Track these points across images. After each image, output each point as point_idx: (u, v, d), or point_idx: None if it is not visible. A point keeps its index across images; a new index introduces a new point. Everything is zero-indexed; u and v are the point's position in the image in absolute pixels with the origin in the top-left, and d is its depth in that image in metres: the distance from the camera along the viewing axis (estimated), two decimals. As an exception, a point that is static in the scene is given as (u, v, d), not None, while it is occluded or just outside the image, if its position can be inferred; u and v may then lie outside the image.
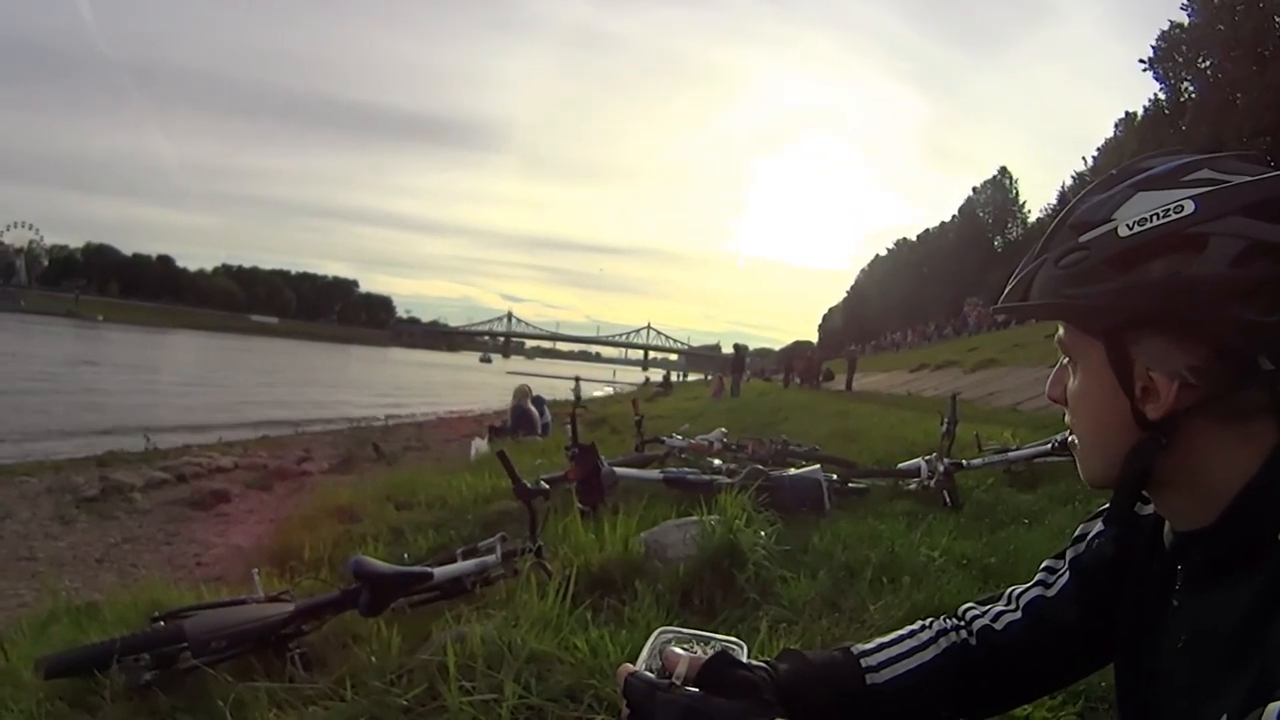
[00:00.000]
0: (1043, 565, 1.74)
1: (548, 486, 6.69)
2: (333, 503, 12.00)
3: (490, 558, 5.74)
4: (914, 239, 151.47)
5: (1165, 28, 72.49)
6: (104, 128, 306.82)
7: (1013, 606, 1.72)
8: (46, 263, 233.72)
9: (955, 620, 1.77)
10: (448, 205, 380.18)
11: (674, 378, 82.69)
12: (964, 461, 10.16)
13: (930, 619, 1.80)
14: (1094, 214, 1.37)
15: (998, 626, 1.70)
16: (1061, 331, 1.43)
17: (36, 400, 42.11)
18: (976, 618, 1.74)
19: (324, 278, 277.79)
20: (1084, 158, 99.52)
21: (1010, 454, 10.73)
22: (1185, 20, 70.95)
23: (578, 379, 35.56)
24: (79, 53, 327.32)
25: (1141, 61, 74.16)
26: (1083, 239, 1.36)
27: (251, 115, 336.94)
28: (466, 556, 5.84)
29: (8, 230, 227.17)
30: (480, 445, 19.93)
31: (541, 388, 27.85)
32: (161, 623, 4.87)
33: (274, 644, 4.88)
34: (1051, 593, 1.68)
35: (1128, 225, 1.31)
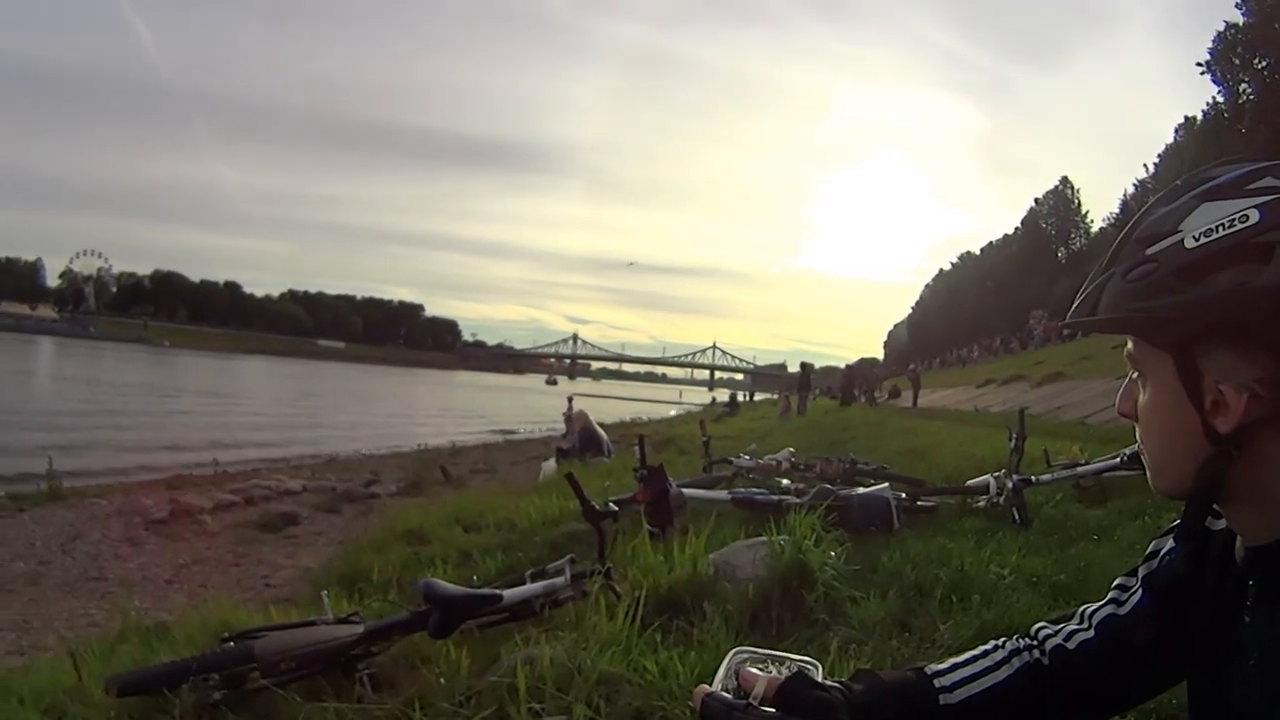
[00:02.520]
0: (1115, 583, 1.71)
1: (616, 509, 6.68)
2: (401, 525, 12.02)
3: (559, 580, 5.73)
4: (977, 252, 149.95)
5: (1220, 29, 71.63)
6: (171, 157, 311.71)
7: (1085, 625, 1.70)
8: (115, 290, 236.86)
9: (1028, 639, 1.75)
10: (513, 229, 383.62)
11: (740, 397, 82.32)
12: (1033, 478, 10.07)
13: (1003, 638, 1.78)
14: (1160, 226, 1.36)
15: (1070, 645, 1.68)
16: (1130, 345, 1.41)
17: (107, 424, 42.58)
18: (1049, 636, 1.72)
19: (390, 302, 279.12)
20: (1145, 164, 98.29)
21: (1079, 469, 10.61)
22: (1240, 20, 70.08)
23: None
24: (144, 84, 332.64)
25: (1199, 65, 73.33)
26: (1149, 252, 1.35)
27: (317, 143, 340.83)
28: (535, 579, 5.84)
29: (77, 258, 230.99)
30: (548, 467, 19.97)
31: (606, 410, 27.93)
32: (231, 643, 4.91)
33: (343, 665, 4.91)
34: (1124, 610, 1.65)
35: (1194, 237, 1.30)
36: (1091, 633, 1.67)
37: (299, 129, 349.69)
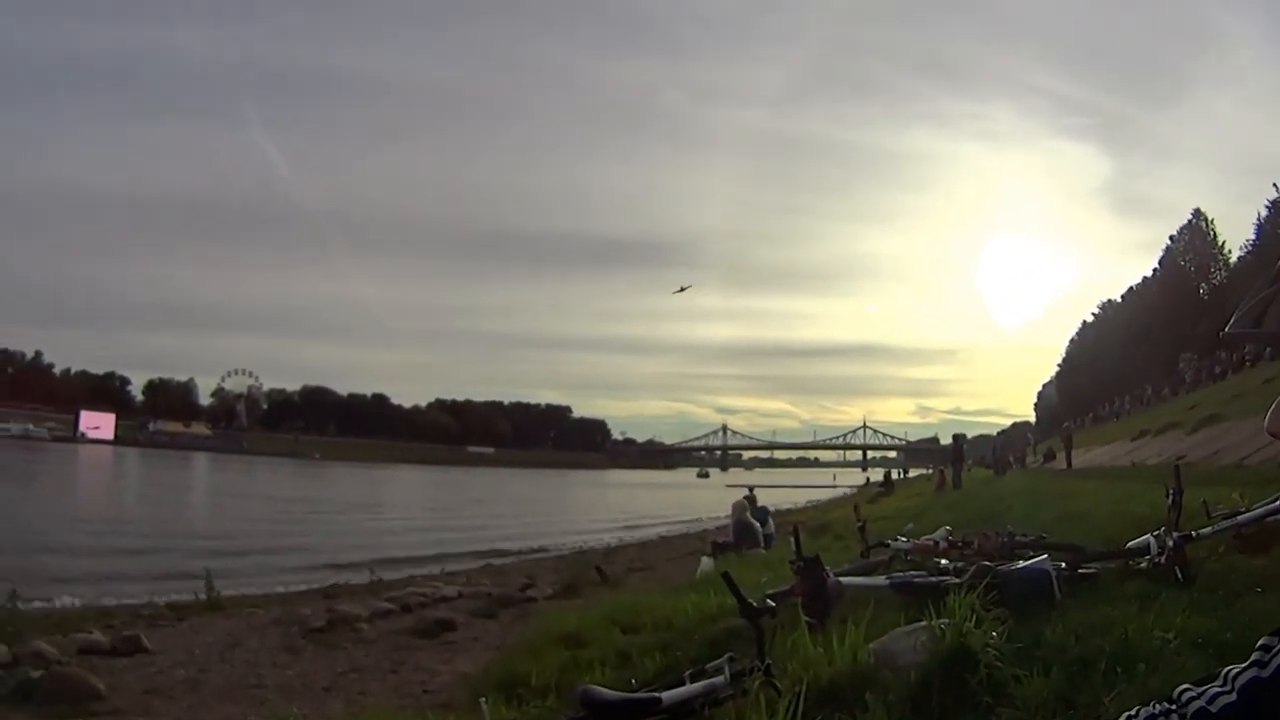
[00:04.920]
0: (1260, 643, 1.67)
1: (773, 604, 6.68)
2: (558, 628, 12.04)
3: (718, 679, 5.74)
4: (1118, 299, 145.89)
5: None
6: (312, 277, 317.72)
7: (1228, 688, 1.65)
8: (266, 406, 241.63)
9: (1166, 704, 1.73)
10: (654, 324, 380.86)
11: (894, 475, 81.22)
12: (1193, 532, 9.80)
13: (1138, 706, 1.76)
14: None
15: (1213, 709, 1.63)
16: None
17: (262, 536, 43.49)
18: (1192, 700, 1.68)
19: (538, 405, 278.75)
20: (1275, 184, 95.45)
21: (1240, 517, 10.29)
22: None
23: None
24: (281, 210, 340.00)
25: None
26: None
27: (450, 253, 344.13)
28: (695, 679, 5.86)
29: (228, 377, 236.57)
30: (705, 563, 19.86)
31: (761, 499, 27.75)
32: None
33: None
34: (1267, 673, 1.59)
35: None
36: (1234, 696, 1.63)
37: (432, 241, 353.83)
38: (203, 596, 22.60)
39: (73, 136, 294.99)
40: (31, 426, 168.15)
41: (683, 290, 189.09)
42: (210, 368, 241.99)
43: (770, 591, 7.83)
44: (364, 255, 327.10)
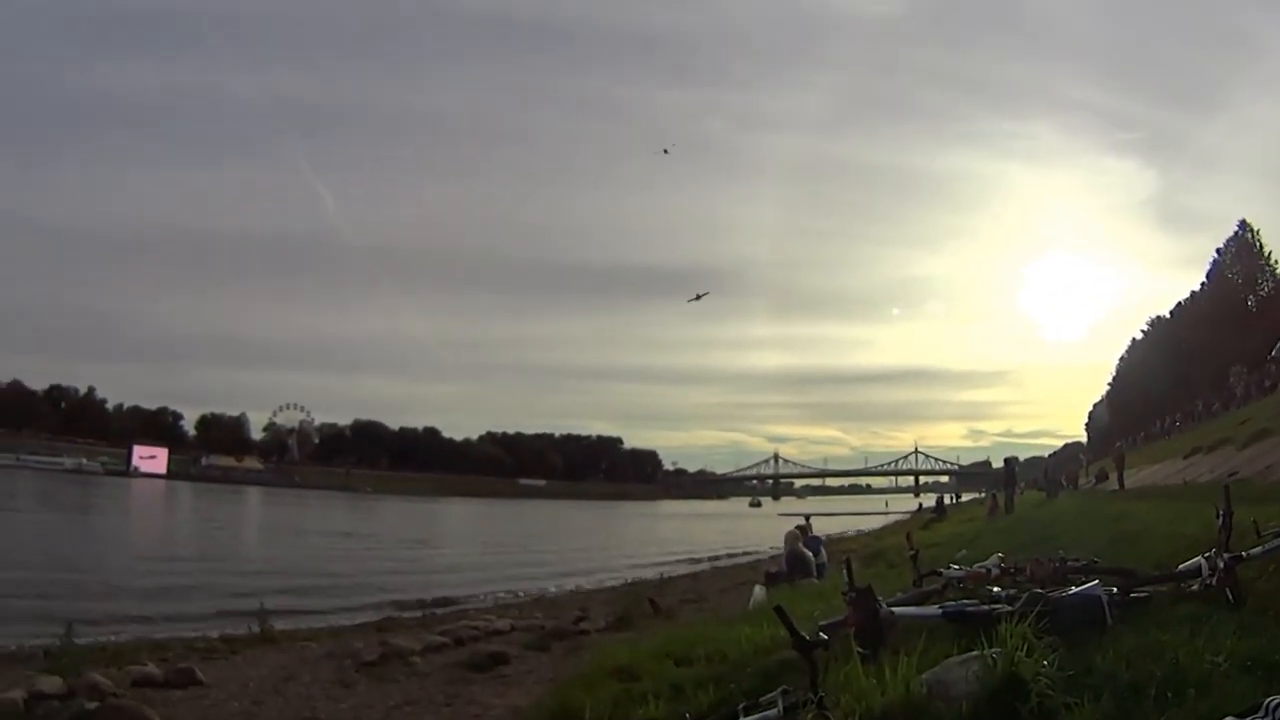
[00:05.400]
0: None
1: (826, 637, 6.72)
2: (611, 661, 12.05)
3: (771, 712, 5.78)
4: (1167, 314, 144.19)
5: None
6: (361, 312, 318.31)
7: (1268, 718, 1.66)
8: (317, 440, 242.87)
9: None
10: (704, 354, 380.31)
11: (947, 500, 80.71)
12: (1244, 553, 9.75)
13: None
14: None
15: None
16: None
17: (315, 570, 43.72)
18: None
19: (589, 437, 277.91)
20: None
21: (1289, 535, 10.23)
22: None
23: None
24: (330, 246, 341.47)
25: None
26: None
27: (498, 287, 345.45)
28: (748, 712, 5.90)
29: (280, 412, 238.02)
30: (758, 593, 19.87)
31: (814, 527, 27.76)
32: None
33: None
34: None
35: None
36: None
37: (479, 274, 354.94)
38: (256, 629, 22.83)
39: (125, 176, 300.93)
40: (85, 460, 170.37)
41: (698, 298, 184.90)
42: (262, 403, 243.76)
43: (823, 622, 7.88)
44: (413, 290, 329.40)
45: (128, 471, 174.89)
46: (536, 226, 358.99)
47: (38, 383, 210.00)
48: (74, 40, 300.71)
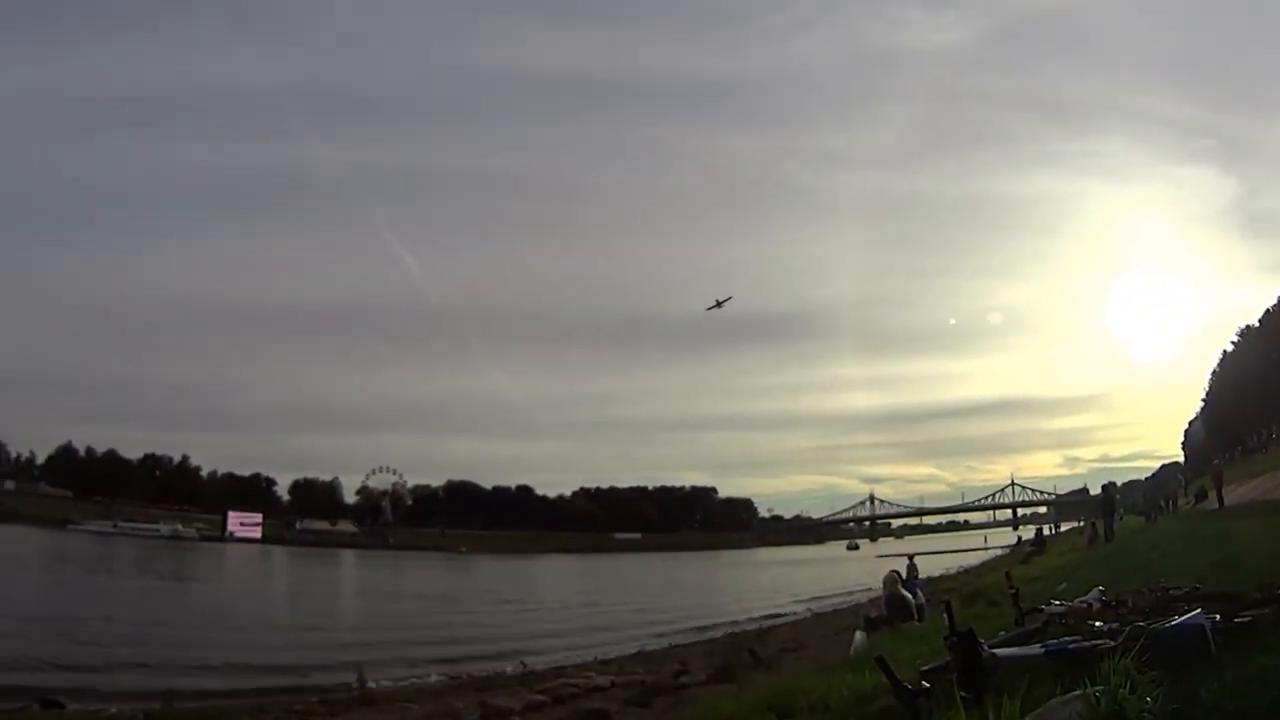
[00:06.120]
0: None
1: (927, 685, 6.79)
2: (713, 715, 12.12)
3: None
4: (1256, 323, 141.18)
5: None
6: (451, 374, 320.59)
7: None
8: (411, 502, 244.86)
9: None
10: (793, 398, 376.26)
11: (1046, 531, 79.81)
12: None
13: None
14: None
15: None
16: None
17: (412, 630, 44.08)
18: None
19: (682, 488, 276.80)
20: None
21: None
22: None
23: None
24: (418, 310, 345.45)
25: None
26: None
27: (584, 343, 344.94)
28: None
29: (372, 475, 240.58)
30: (859, 639, 19.83)
31: (904, 564, 27.67)
32: None
33: None
34: None
35: None
36: None
37: (565, 331, 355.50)
38: (355, 692, 23.08)
39: (212, 250, 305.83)
40: (180, 527, 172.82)
41: (719, 305, 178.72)
42: (355, 466, 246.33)
43: (924, 667, 7.93)
44: (500, 349, 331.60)
45: (223, 537, 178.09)
46: (619, 280, 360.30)
47: (133, 452, 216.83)
48: (158, 120, 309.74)
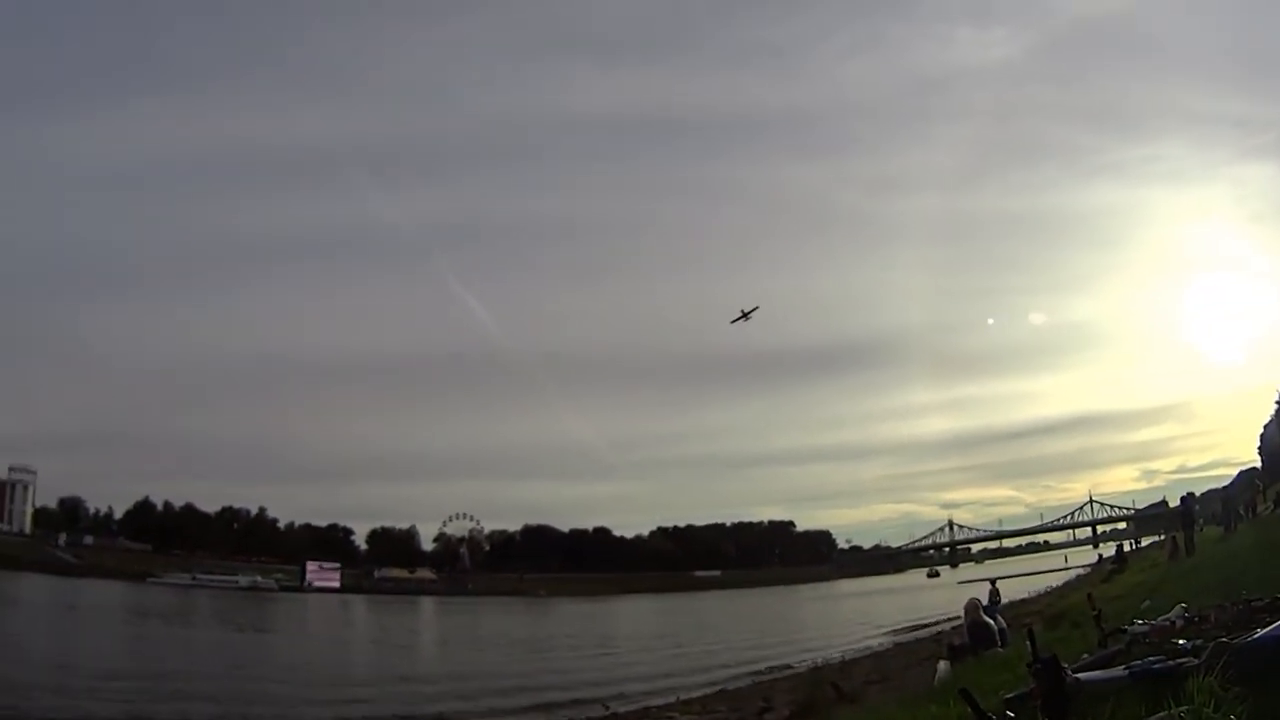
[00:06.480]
0: None
1: (1011, 714, 6.80)
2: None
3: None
4: None
5: None
6: (524, 419, 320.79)
7: None
8: (488, 547, 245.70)
9: None
10: (866, 427, 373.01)
11: (1126, 546, 78.80)
12: None
13: None
14: None
15: None
16: None
17: (493, 675, 44.24)
18: None
19: (760, 524, 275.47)
20: None
21: None
22: None
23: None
24: (488, 357, 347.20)
25: None
26: None
27: (655, 383, 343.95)
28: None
29: (449, 522, 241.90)
30: (942, 668, 19.78)
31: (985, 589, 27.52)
32: None
33: None
34: None
35: None
36: None
37: (634, 371, 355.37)
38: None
39: (283, 306, 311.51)
40: (260, 578, 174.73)
41: (746, 317, 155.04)
42: (431, 513, 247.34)
43: (1008, 695, 7.93)
44: (572, 391, 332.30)
45: (302, 587, 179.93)
46: (686, 316, 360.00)
47: (210, 505, 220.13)
48: (222, 180, 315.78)
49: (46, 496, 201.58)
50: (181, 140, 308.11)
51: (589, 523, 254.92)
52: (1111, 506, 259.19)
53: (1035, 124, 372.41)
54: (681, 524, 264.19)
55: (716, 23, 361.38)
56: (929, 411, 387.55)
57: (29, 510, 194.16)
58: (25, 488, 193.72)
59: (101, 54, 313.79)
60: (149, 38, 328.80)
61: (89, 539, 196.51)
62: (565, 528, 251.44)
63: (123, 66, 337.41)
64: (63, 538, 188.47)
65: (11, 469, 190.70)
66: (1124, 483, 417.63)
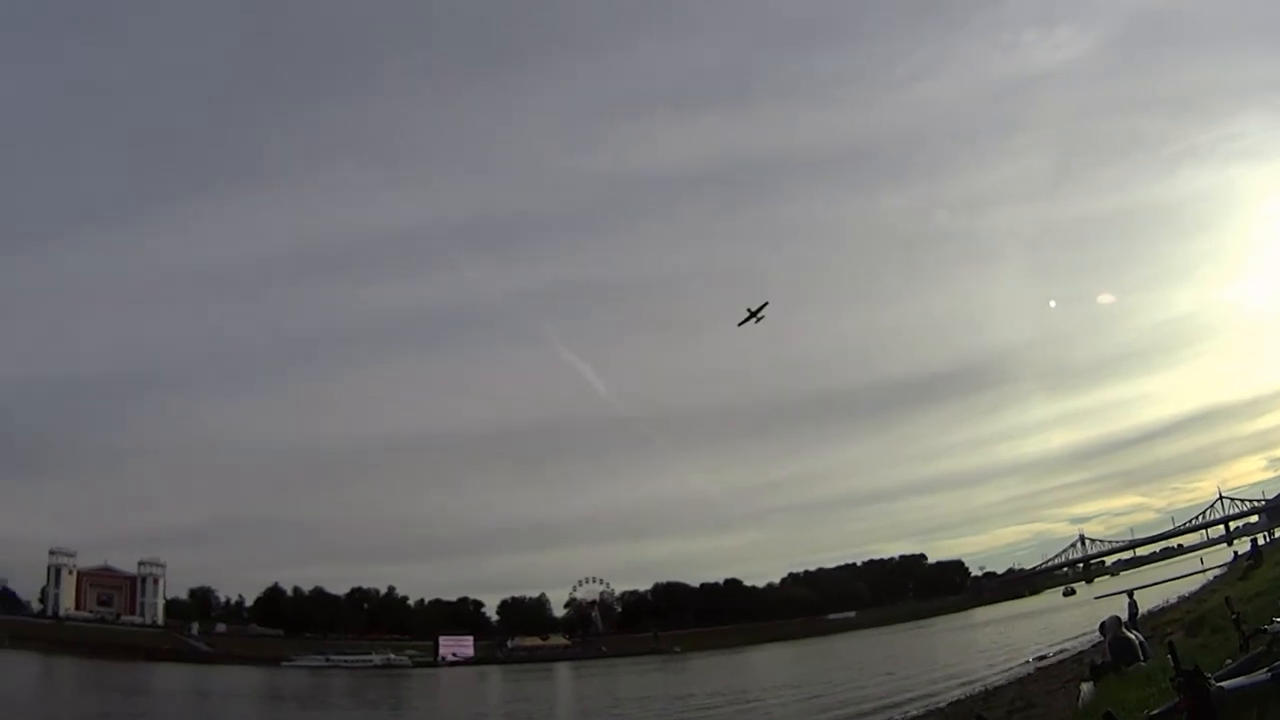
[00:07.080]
0: None
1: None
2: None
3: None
4: None
5: None
6: (643, 479, 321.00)
7: None
8: (620, 608, 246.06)
9: None
10: (986, 450, 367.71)
11: (1260, 540, 77.11)
12: None
13: None
14: None
15: None
16: None
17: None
18: None
19: (890, 559, 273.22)
20: None
21: None
22: None
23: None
24: (602, 421, 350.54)
25: None
26: None
27: (770, 428, 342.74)
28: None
29: (579, 587, 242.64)
30: (1086, 690, 19.57)
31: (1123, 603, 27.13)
32: None
33: None
34: None
35: None
36: None
37: (750, 420, 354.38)
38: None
39: (395, 386, 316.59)
40: (393, 655, 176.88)
41: (757, 318, 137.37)
42: (560, 580, 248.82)
43: (1153, 713, 7.85)
44: (689, 447, 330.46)
45: (436, 662, 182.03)
46: (793, 360, 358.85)
47: (339, 587, 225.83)
48: (326, 268, 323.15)
49: (177, 588, 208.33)
50: (275, 234, 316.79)
51: (719, 575, 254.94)
52: (1241, 501, 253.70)
53: (1112, 119, 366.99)
54: (812, 568, 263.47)
55: (782, 62, 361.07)
56: (1047, 426, 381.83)
57: (160, 602, 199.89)
58: (155, 580, 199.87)
59: (207, 157, 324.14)
60: (242, 133, 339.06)
61: (221, 627, 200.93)
62: (696, 583, 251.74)
63: (228, 167, 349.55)
64: (195, 627, 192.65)
65: (141, 563, 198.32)
66: (1252, 474, 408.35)
